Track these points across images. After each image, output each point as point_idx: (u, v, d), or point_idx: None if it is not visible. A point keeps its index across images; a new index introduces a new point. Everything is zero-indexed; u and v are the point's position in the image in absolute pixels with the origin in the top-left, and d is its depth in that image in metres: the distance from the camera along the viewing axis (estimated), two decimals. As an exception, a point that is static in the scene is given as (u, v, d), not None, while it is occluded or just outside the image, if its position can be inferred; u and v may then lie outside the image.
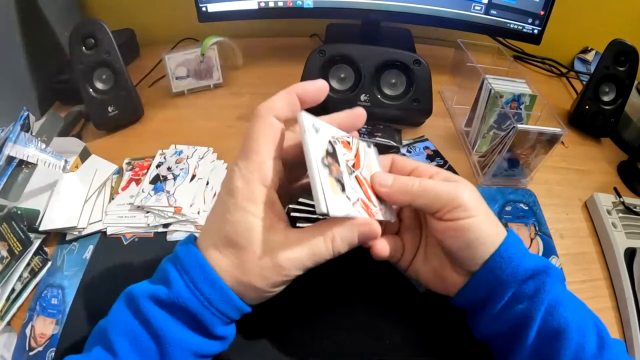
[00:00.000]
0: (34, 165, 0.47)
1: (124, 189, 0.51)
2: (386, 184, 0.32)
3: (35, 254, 0.43)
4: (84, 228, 0.46)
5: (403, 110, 0.59)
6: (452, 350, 0.36)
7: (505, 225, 0.49)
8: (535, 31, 0.69)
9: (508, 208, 0.52)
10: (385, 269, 0.41)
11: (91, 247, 0.46)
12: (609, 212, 0.51)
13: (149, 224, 0.47)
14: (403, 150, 0.59)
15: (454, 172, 0.56)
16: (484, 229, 0.30)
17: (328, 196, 0.25)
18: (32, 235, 0.44)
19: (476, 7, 0.68)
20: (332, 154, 0.29)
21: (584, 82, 0.73)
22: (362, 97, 0.59)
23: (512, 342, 0.30)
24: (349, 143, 0.32)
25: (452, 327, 0.37)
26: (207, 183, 0.52)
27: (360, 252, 0.35)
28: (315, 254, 0.28)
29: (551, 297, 0.29)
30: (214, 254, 0.28)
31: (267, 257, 0.28)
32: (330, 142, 0.29)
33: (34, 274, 0.43)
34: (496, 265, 0.29)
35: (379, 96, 0.59)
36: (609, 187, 0.56)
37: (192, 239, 0.30)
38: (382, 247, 0.32)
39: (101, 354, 0.27)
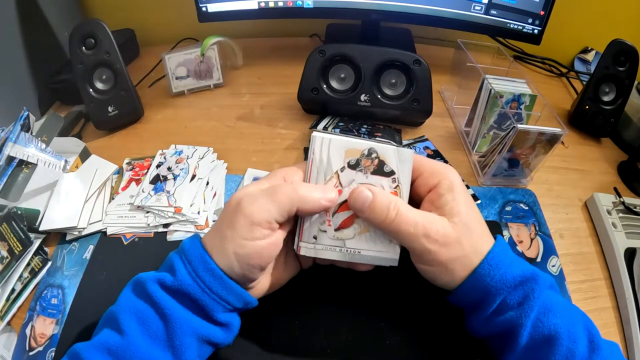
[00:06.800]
0: (34, 165, 0.47)
1: (124, 189, 0.51)
2: (362, 208, 0.31)
3: (35, 254, 0.43)
4: (84, 228, 0.46)
5: (403, 110, 0.59)
6: (452, 351, 0.36)
7: (505, 225, 0.49)
8: (535, 31, 0.69)
9: (508, 208, 0.52)
10: (385, 269, 0.41)
11: (91, 247, 0.46)
12: (609, 212, 0.51)
13: (149, 224, 0.47)
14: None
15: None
16: (443, 274, 0.31)
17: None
18: (32, 235, 0.44)
19: (476, 7, 0.68)
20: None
21: (584, 82, 0.73)
22: (362, 97, 0.59)
23: (503, 346, 0.31)
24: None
25: (452, 327, 0.37)
26: (207, 183, 0.52)
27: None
28: (278, 194, 0.30)
29: (540, 303, 0.29)
30: (209, 244, 0.31)
31: (240, 213, 0.30)
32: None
33: (34, 274, 0.43)
34: (485, 273, 0.30)
35: (379, 96, 0.59)
36: (609, 187, 0.56)
37: (198, 236, 0.32)
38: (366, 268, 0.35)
39: (109, 334, 0.28)
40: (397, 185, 0.33)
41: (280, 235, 0.31)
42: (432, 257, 0.30)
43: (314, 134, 0.33)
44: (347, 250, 0.33)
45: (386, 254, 0.33)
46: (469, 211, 0.31)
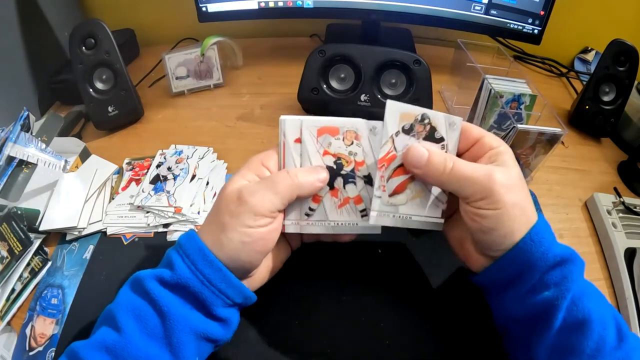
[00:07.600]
0: (34, 165, 0.47)
1: (124, 189, 0.51)
2: (419, 165, 0.31)
3: (35, 254, 0.43)
4: (84, 228, 0.46)
5: (403, 110, 0.59)
6: (453, 351, 0.36)
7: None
8: (535, 31, 0.69)
9: (508, 208, 0.52)
10: (386, 269, 0.41)
11: (91, 247, 0.46)
12: (609, 212, 0.51)
13: (149, 224, 0.47)
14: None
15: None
16: (505, 221, 0.29)
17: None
18: (32, 235, 0.44)
19: (476, 7, 0.68)
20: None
21: (584, 82, 0.73)
22: (362, 97, 0.59)
23: (536, 328, 0.30)
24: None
25: (453, 327, 0.37)
26: (207, 183, 0.52)
27: (362, 254, 0.35)
28: (279, 186, 0.31)
29: (576, 286, 0.29)
30: (206, 238, 0.31)
31: (242, 206, 0.30)
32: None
33: (34, 274, 0.43)
34: (526, 248, 0.29)
35: (379, 96, 0.59)
36: (609, 187, 0.56)
37: (193, 231, 0.33)
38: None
39: (106, 332, 0.28)
40: (446, 152, 0.33)
41: (280, 219, 0.32)
42: (495, 199, 0.29)
43: (282, 117, 0.34)
44: (399, 216, 0.33)
45: (434, 219, 0.34)
46: (515, 197, 0.30)
